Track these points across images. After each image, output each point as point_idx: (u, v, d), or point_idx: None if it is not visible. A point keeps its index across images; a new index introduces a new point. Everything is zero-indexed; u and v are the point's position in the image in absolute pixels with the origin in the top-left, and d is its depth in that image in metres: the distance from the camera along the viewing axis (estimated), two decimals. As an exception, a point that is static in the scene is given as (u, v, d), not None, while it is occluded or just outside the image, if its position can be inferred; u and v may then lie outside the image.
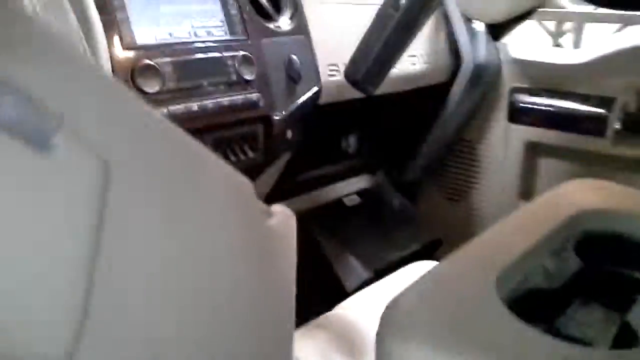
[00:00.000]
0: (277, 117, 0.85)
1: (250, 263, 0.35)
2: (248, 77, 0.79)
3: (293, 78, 0.87)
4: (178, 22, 0.74)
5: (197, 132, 0.75)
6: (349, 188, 1.34)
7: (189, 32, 0.75)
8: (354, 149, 1.32)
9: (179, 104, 0.71)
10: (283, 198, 1.05)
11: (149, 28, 0.71)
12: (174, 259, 0.29)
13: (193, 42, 0.75)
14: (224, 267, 0.33)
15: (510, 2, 1.12)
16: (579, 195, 0.57)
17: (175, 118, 0.70)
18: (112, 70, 0.65)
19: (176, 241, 0.29)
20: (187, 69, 0.73)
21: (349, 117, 1.21)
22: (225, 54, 0.77)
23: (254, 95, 0.80)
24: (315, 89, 0.92)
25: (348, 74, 0.85)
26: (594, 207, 0.55)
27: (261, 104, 0.82)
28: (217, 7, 0.80)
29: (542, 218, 0.52)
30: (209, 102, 0.75)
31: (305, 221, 0.78)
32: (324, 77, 0.94)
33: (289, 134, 0.92)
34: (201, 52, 0.75)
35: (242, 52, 0.79)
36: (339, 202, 1.30)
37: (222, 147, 0.80)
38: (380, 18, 0.82)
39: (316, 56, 0.93)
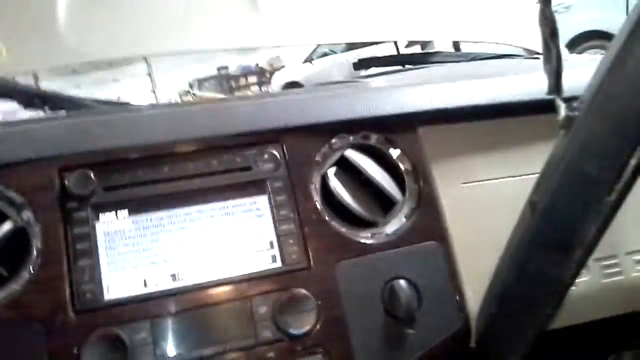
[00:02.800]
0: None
1: None
2: (295, 330, 0.48)
3: (400, 318, 0.50)
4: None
5: None
6: None
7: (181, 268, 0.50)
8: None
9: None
10: None
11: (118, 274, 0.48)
12: None
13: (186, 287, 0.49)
14: None
15: None
16: None
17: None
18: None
19: None
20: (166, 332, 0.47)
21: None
22: (249, 300, 0.49)
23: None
24: (453, 329, 0.52)
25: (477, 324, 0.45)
26: None
27: (322, 371, 0.48)
28: (263, 212, 0.52)
29: None
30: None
31: None
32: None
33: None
34: (209, 299, 0.49)
35: (288, 291, 0.49)
36: None
37: None
38: (518, 224, 0.40)
39: (459, 272, 0.54)
